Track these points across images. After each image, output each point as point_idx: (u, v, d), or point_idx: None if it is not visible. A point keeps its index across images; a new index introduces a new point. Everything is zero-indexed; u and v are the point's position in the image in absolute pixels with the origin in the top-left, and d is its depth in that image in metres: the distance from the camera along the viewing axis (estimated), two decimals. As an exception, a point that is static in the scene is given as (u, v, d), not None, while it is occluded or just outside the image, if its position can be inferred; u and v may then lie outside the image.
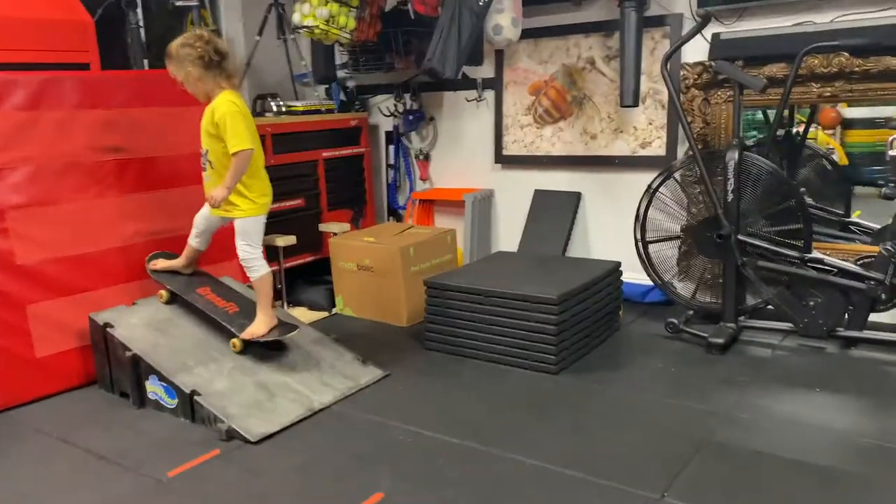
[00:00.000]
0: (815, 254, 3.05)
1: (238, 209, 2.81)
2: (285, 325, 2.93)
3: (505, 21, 3.61)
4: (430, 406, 2.68)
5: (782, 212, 3.12)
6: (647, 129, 3.81)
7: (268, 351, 2.93)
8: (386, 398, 2.78)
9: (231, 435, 2.48)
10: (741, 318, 3.21)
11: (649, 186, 3.49)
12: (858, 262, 3.00)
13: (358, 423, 2.57)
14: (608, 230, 4.00)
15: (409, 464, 2.26)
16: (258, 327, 2.84)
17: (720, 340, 3.02)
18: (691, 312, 3.34)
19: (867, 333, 2.97)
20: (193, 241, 3.03)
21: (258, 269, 2.86)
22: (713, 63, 3.15)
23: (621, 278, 3.40)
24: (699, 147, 3.54)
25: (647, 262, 3.51)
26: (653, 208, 3.51)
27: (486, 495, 2.07)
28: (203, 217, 2.98)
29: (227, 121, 2.65)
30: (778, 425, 2.41)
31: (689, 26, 3.58)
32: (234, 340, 2.86)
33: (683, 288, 3.53)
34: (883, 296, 2.86)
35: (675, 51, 3.28)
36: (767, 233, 3.14)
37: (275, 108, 4.28)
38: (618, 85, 3.80)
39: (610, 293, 3.28)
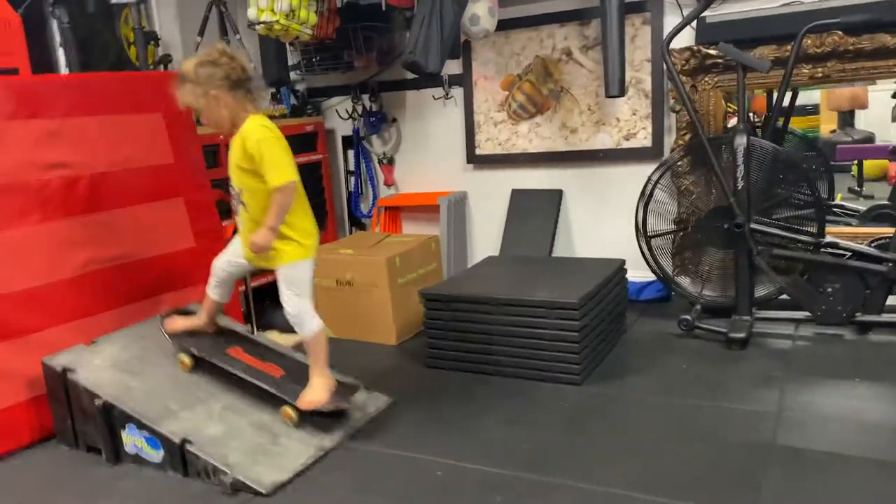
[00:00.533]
0: (829, 238, 2.96)
1: (283, 254, 2.31)
2: (346, 387, 2.52)
3: (482, 10, 3.38)
4: (457, 432, 2.40)
5: (793, 197, 3.02)
6: (630, 120, 3.66)
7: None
8: (402, 427, 2.48)
9: (237, 488, 2.12)
10: (755, 310, 3.09)
11: (649, 179, 3.33)
12: (873, 245, 2.92)
13: (382, 459, 2.26)
14: (593, 227, 3.82)
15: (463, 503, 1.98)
16: (318, 393, 2.37)
17: (741, 335, 2.88)
18: (699, 308, 3.19)
19: (885, 317, 2.90)
20: (213, 294, 2.54)
21: (310, 324, 2.37)
22: (718, 45, 3.01)
23: (625, 277, 3.22)
24: (689, 136, 3.43)
25: (652, 257, 3.35)
26: (654, 207, 3.36)
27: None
28: (226, 263, 2.49)
29: (265, 150, 2.18)
30: (835, 422, 2.27)
31: (671, 12, 3.46)
32: (288, 410, 2.36)
33: (689, 283, 3.39)
34: (905, 277, 2.79)
35: (679, 32, 3.12)
36: (778, 219, 3.03)
37: (223, 115, 3.90)
38: (597, 75, 3.65)
39: (618, 294, 3.10)
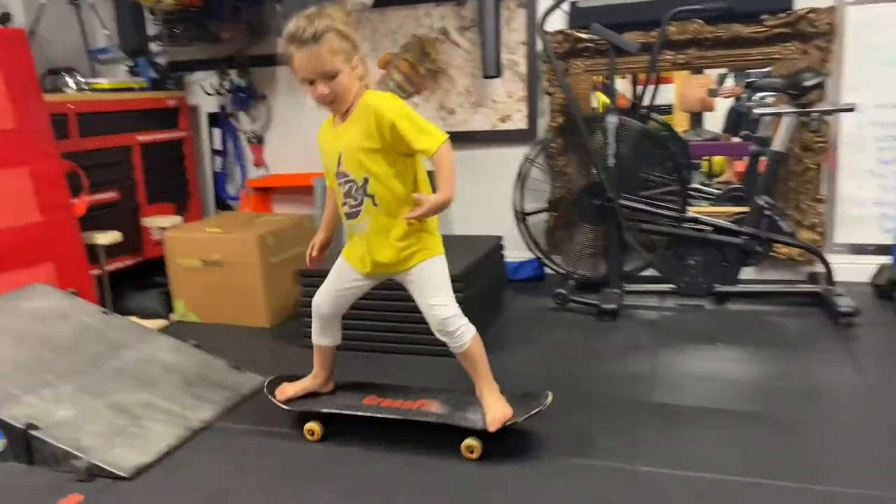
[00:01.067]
0: (691, 214, 3.12)
1: (422, 249, 1.92)
2: (524, 396, 2.05)
3: (359, -18, 3.30)
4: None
5: (659, 174, 3.16)
6: (506, 103, 3.70)
7: (119, 366, 2.36)
8: (278, 406, 2.34)
9: (93, 473, 1.92)
10: (625, 283, 3.20)
11: (526, 158, 3.38)
12: (731, 220, 3.11)
13: (256, 438, 2.13)
14: (471, 209, 3.81)
15: (351, 478, 1.89)
16: (501, 408, 1.93)
17: (612, 306, 2.98)
18: (573, 283, 3.27)
19: (740, 287, 3.10)
20: (323, 339, 2.13)
21: (466, 330, 1.94)
22: (591, 26, 3.10)
23: (503, 253, 3.24)
24: (562, 118, 3.51)
25: (528, 236, 3.39)
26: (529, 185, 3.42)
27: (448, 500, 1.77)
28: (332, 297, 2.07)
29: (410, 113, 1.81)
30: (702, 381, 2.38)
31: (544, -6, 3.53)
32: (471, 442, 1.92)
33: (563, 259, 3.46)
34: (759, 249, 2.98)
35: (553, 10, 3.18)
36: (645, 196, 3.15)
37: (73, 85, 3.58)
38: (474, 56, 3.67)
39: (497, 269, 3.11)
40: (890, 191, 3.25)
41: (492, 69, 3.40)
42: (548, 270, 3.58)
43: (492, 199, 3.69)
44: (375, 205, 1.89)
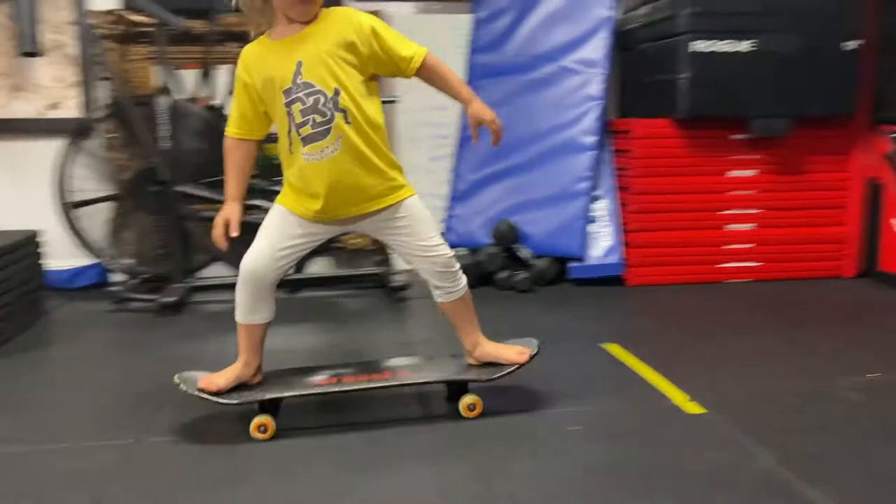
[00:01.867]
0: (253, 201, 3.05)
1: (406, 185, 1.72)
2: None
3: None
4: None
5: (218, 160, 3.04)
6: (55, 88, 3.26)
7: None
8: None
9: None
10: (191, 277, 3.01)
11: (70, 140, 3.00)
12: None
13: None
14: (13, 211, 3.26)
15: None
16: (511, 347, 1.83)
17: (173, 299, 2.76)
18: (134, 280, 2.97)
19: (311, 275, 3.13)
20: (255, 315, 1.72)
21: (462, 275, 1.78)
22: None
23: (40, 251, 2.81)
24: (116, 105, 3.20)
25: (75, 231, 2.99)
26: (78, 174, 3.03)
27: None
28: (272, 259, 1.67)
29: (385, 24, 1.67)
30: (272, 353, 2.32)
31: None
32: (472, 399, 1.77)
33: (122, 254, 3.13)
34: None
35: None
36: (206, 183, 2.99)
37: None
38: (11, 33, 3.18)
39: (28, 268, 2.67)
40: (441, 185, 3.58)
41: (28, 45, 2.98)
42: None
43: (44, 198, 3.19)
44: (349, 122, 1.60)
